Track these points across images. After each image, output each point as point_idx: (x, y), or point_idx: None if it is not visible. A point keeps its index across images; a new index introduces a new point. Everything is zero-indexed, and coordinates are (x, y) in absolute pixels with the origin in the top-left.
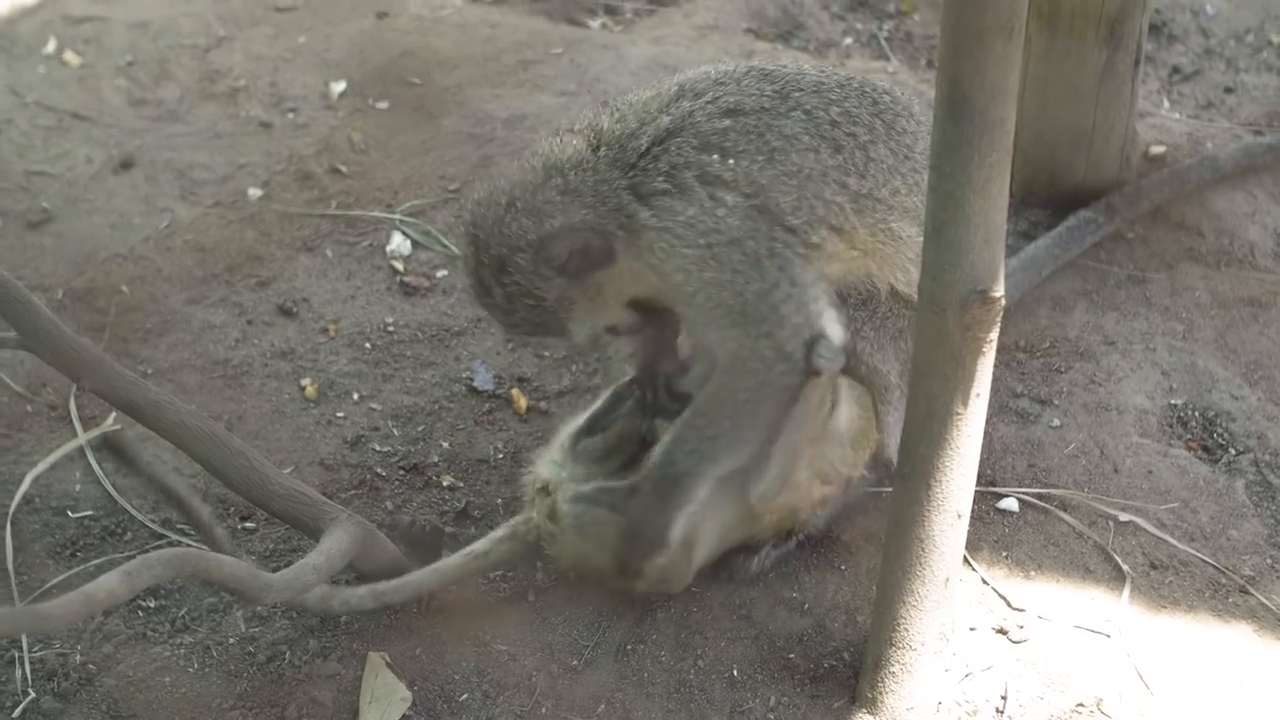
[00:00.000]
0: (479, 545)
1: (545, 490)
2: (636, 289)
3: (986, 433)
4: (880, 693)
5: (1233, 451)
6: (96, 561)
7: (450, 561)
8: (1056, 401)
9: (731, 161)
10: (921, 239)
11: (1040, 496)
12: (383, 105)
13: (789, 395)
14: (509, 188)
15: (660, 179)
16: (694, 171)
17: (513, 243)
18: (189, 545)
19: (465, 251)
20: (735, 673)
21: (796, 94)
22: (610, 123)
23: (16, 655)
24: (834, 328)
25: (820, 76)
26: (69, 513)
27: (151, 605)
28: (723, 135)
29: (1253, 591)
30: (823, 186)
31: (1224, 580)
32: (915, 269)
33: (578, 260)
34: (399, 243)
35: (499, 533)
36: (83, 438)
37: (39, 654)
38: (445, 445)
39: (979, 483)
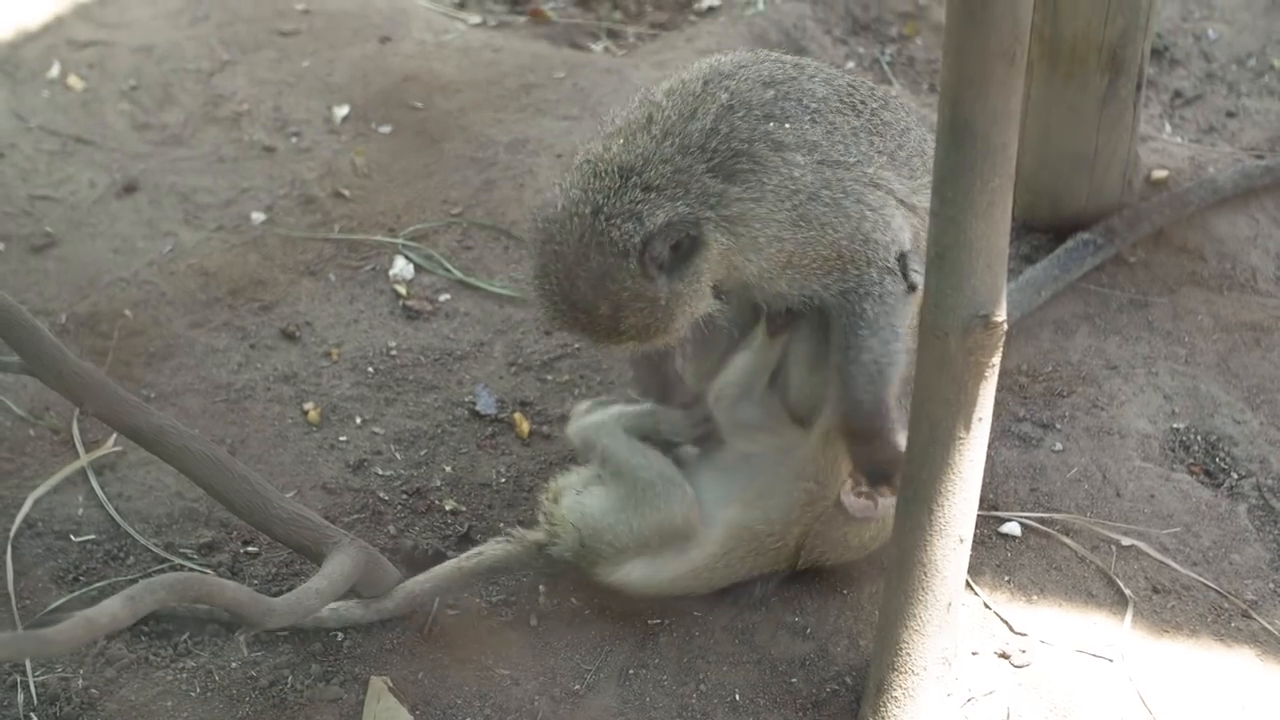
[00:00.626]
0: (472, 550)
1: (552, 497)
2: (724, 270)
3: (989, 457)
4: (883, 718)
5: (1235, 476)
6: (99, 585)
7: (443, 568)
8: (1059, 426)
9: (788, 125)
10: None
11: (1042, 521)
12: (385, 129)
13: (906, 308)
14: (584, 198)
15: (737, 155)
16: (763, 142)
17: (615, 250)
18: (192, 570)
19: (549, 274)
20: (737, 697)
21: (810, 68)
22: (664, 112)
23: (19, 679)
24: (909, 240)
25: (818, 64)
26: (71, 537)
27: (154, 630)
28: (771, 103)
29: (1255, 616)
30: (857, 140)
31: (1226, 605)
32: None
33: (681, 253)
34: (402, 267)
35: (496, 540)
36: (84, 459)
37: (41, 678)
38: (448, 469)
39: (981, 507)
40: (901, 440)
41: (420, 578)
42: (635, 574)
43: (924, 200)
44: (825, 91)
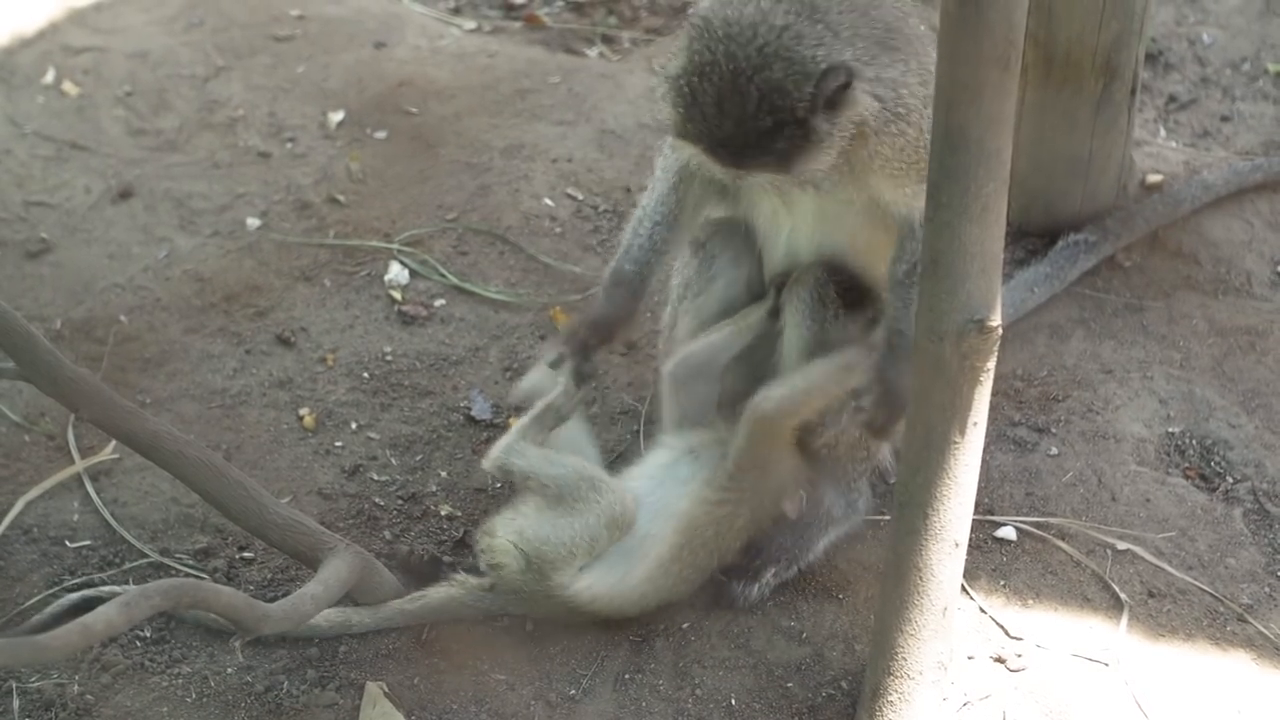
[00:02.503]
0: (416, 594)
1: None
2: (851, 137)
3: (984, 461)
4: None
5: (1230, 480)
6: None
7: (387, 608)
8: (1054, 430)
9: (921, 25)
10: None
11: (1038, 525)
12: (381, 135)
13: None
14: (774, 12)
15: (891, 30)
16: (908, 24)
17: (798, 70)
18: (188, 576)
19: (712, 74)
20: (733, 702)
21: None
22: None
23: (15, 686)
24: None
25: None
26: (67, 542)
27: (149, 635)
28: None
29: (1250, 620)
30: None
31: (1222, 609)
32: None
33: (836, 99)
34: (397, 272)
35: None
36: (79, 465)
37: (36, 684)
38: (443, 474)
39: (976, 511)
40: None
41: (365, 611)
42: (601, 584)
43: None
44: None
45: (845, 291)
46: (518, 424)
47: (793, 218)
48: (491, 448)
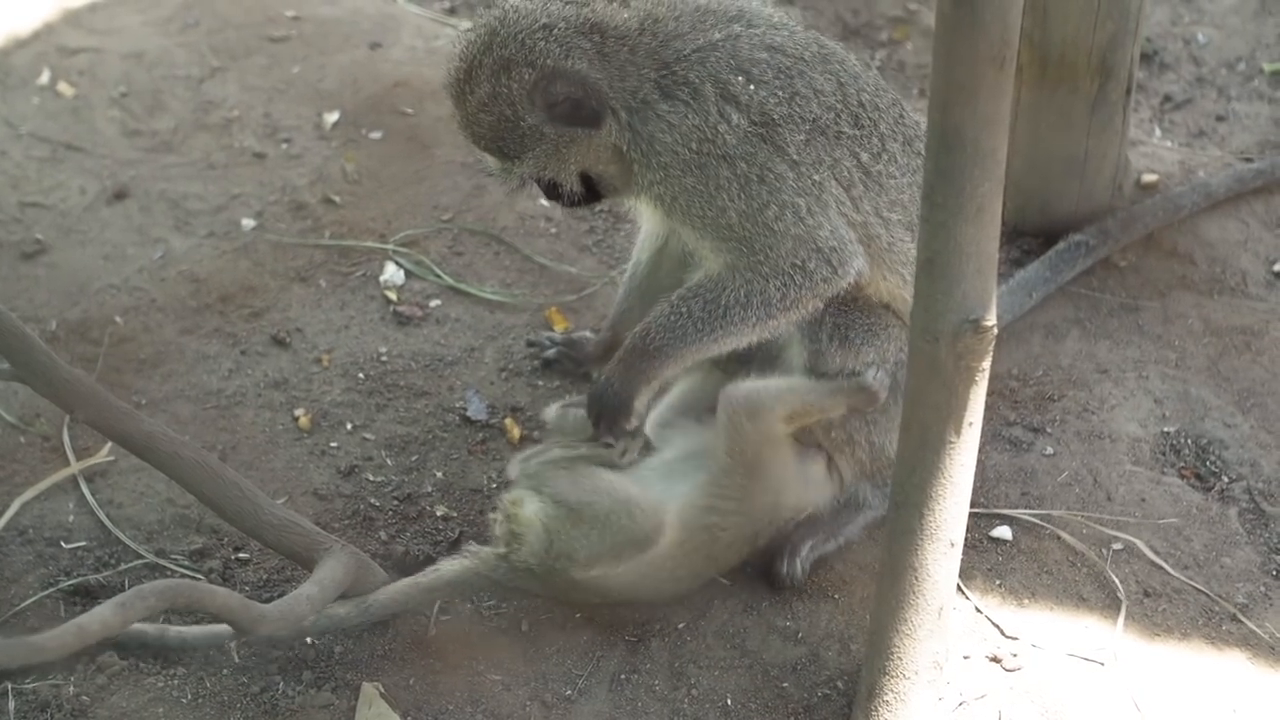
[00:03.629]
0: (429, 568)
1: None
2: (599, 166)
3: (980, 461)
4: None
5: (1225, 479)
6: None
7: (400, 585)
8: (1049, 429)
9: (753, 88)
10: (913, 255)
11: (1034, 525)
12: (376, 135)
13: (795, 309)
14: (551, 13)
15: (685, 84)
16: (715, 86)
17: (528, 58)
18: (183, 576)
19: (474, 39)
20: (729, 702)
21: (838, 64)
22: (665, 17)
23: (10, 687)
24: (845, 233)
25: (864, 69)
26: (62, 544)
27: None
28: (755, 63)
29: (1245, 619)
30: (835, 146)
31: (1217, 608)
32: (899, 278)
33: (567, 109)
34: (392, 273)
35: (452, 558)
36: (75, 466)
37: (31, 685)
38: (439, 475)
39: (972, 511)
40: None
41: (379, 594)
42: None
43: (882, 235)
44: (828, 87)
45: (844, 315)
46: (549, 454)
47: (660, 231)
48: (515, 465)
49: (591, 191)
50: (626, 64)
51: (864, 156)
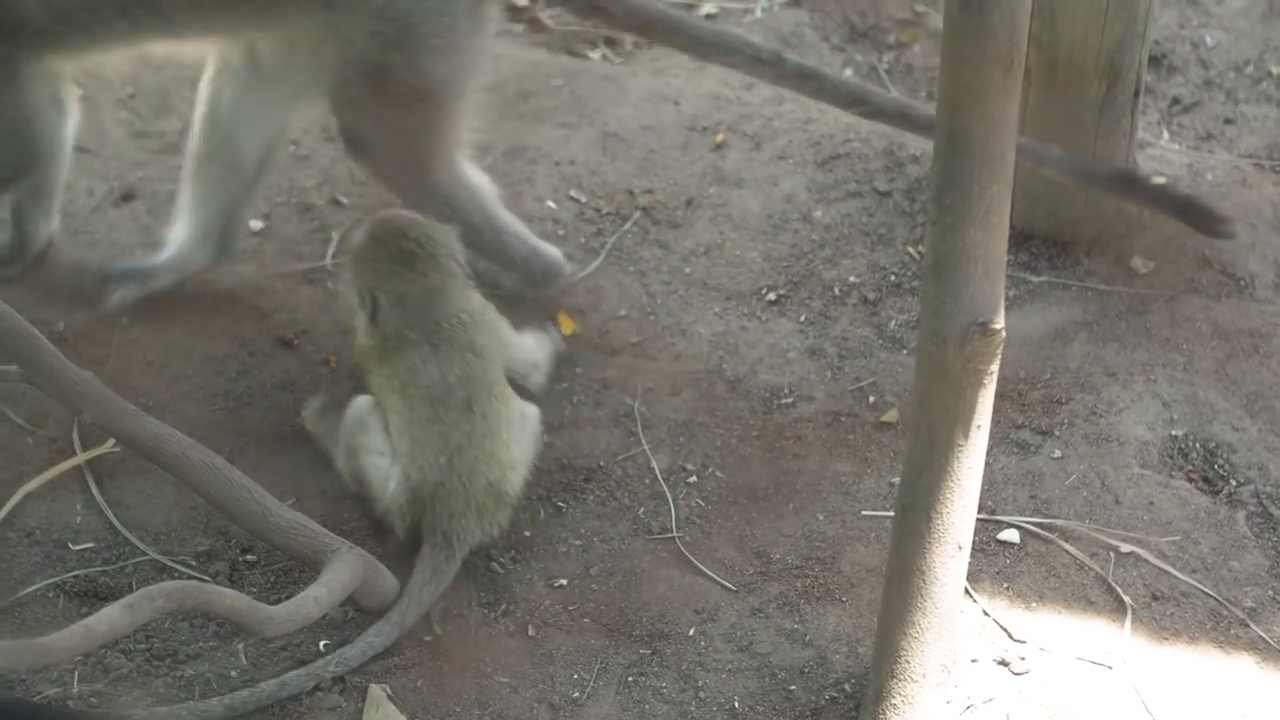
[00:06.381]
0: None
1: None
2: None
3: (987, 464)
4: None
5: (1234, 483)
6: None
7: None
8: (1057, 433)
9: None
10: None
11: (1041, 528)
12: None
13: None
14: None
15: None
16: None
17: None
18: (191, 578)
19: None
20: (736, 705)
21: None
22: None
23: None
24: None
25: None
26: (70, 545)
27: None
28: None
29: (1254, 624)
30: None
31: (1225, 612)
32: None
33: None
34: None
35: None
36: (81, 457)
37: (39, 688)
38: None
39: (979, 514)
40: None
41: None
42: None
43: None
44: None
45: None
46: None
47: None
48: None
49: None
50: None
51: None
